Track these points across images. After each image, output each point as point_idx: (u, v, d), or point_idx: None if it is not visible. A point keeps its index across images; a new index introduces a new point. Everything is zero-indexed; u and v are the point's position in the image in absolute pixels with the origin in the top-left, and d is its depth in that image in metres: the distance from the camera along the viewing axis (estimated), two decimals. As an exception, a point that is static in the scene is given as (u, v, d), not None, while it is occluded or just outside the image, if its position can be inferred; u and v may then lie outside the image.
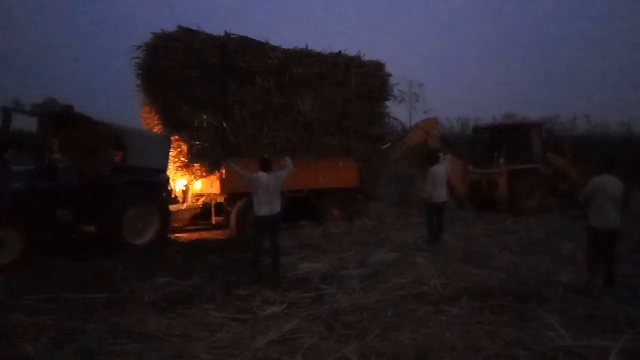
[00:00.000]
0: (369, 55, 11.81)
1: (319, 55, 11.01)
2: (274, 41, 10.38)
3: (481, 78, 68.21)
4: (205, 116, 9.31)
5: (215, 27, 9.82)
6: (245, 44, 9.93)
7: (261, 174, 6.85)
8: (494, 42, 78.87)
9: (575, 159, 14.64)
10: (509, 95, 59.06)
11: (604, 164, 5.93)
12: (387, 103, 12.41)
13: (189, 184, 10.26)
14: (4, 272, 6.54)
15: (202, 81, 9.32)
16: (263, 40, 10.21)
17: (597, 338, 4.05)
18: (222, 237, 10.08)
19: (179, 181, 10.20)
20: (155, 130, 9.75)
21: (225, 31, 9.76)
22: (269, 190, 6.80)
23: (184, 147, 9.38)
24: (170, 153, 9.40)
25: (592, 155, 13.64)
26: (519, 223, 11.08)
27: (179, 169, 9.72)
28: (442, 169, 8.81)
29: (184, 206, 10.43)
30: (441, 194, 8.58)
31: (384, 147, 12.48)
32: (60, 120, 8.13)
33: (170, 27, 9.32)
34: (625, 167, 14.30)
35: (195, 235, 10.30)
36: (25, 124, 8.62)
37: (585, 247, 6.02)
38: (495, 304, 4.94)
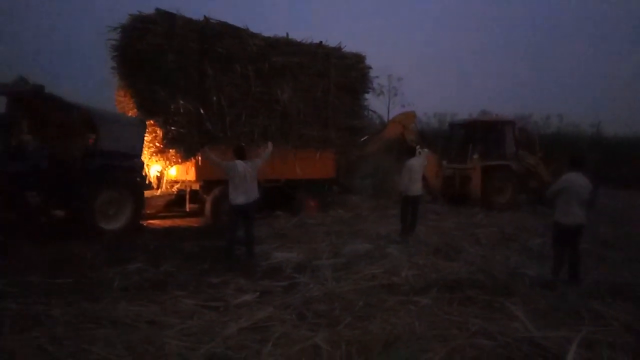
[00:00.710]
0: (349, 47, 11.83)
1: (299, 44, 10.94)
2: (255, 29, 10.29)
3: (459, 75, 68.98)
4: (182, 101, 9.15)
5: (195, 12, 9.62)
6: (225, 29, 9.78)
7: (238, 162, 6.81)
8: (473, 40, 79.89)
9: (546, 157, 15.02)
10: (487, 93, 59.83)
11: (573, 162, 6.12)
12: (366, 96, 12.48)
13: (163, 170, 10.09)
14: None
15: (179, 66, 9.14)
16: (243, 27, 10.09)
17: (560, 330, 4.19)
18: (196, 225, 9.99)
19: (153, 167, 10.02)
20: (130, 114, 9.54)
21: (205, 16, 9.59)
22: (245, 179, 6.77)
23: (160, 133, 9.22)
24: (145, 138, 9.22)
25: (562, 154, 14.02)
26: (490, 218, 11.33)
27: (154, 154, 9.55)
28: (418, 162, 8.91)
29: (158, 192, 10.28)
30: (416, 188, 8.69)
31: (362, 139, 12.54)
32: (31, 100, 7.88)
33: (149, 10, 9.10)
34: (593, 166, 14.79)
35: (168, 223, 10.18)
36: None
37: (551, 241, 6.23)
38: (464, 296, 5.04)
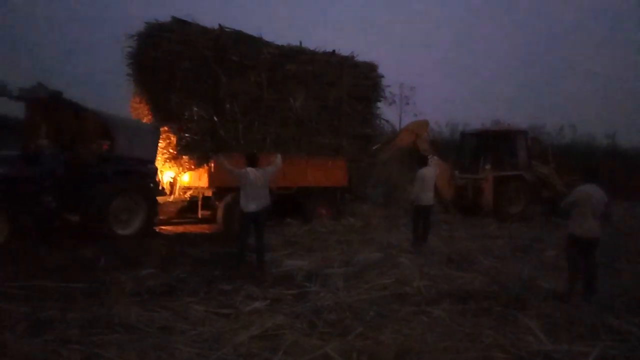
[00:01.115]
0: (362, 56, 11.86)
1: (312, 53, 11.00)
2: (268, 37, 10.37)
3: (472, 84, 68.74)
4: (195, 109, 9.23)
5: (210, 20, 9.75)
6: (239, 38, 9.88)
7: (249, 169, 6.84)
8: (486, 50, 79.69)
9: (559, 167, 14.86)
10: (499, 103, 59.54)
11: (588, 173, 6.04)
12: (378, 105, 12.47)
13: (176, 176, 10.17)
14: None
15: (194, 73, 9.24)
16: (257, 36, 10.18)
17: (575, 344, 4.12)
18: (207, 231, 10.04)
19: (166, 173, 10.10)
20: (145, 120, 9.65)
21: (220, 24, 9.70)
22: (257, 186, 6.79)
23: (173, 139, 9.29)
24: (159, 144, 9.31)
25: (576, 165, 13.86)
26: (503, 229, 11.21)
27: (168, 160, 9.62)
28: (431, 172, 8.86)
29: (171, 198, 10.34)
30: (428, 197, 8.65)
31: (374, 147, 12.52)
32: (49, 106, 8.01)
33: (165, 18, 9.24)
34: (609, 178, 14.59)
35: (180, 229, 10.23)
36: (10, 108, 8.44)
37: (566, 254, 6.13)
38: (477, 307, 4.99)
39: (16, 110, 8.51)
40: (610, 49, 72.91)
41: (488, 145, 14.20)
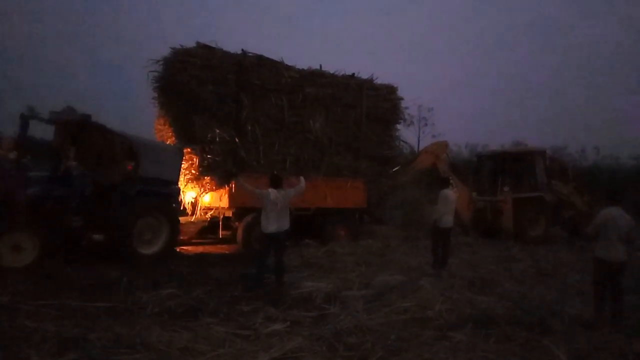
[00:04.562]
0: (380, 77, 11.99)
1: (332, 76, 11.18)
2: (289, 61, 10.60)
3: (492, 105, 68.44)
4: (218, 131, 9.44)
5: (233, 45, 10.03)
6: (261, 62, 10.14)
7: (271, 190, 6.91)
8: (506, 70, 79.50)
9: (580, 187, 14.59)
10: (520, 124, 59.07)
11: (611, 195, 5.94)
12: (397, 126, 12.52)
13: (198, 196, 10.33)
14: (13, 276, 6.61)
15: (216, 96, 9.49)
16: (278, 60, 10.42)
17: (602, 372, 4.00)
18: (227, 252, 10.10)
19: (188, 193, 10.28)
20: (168, 142, 9.88)
21: (242, 49, 9.98)
22: (277, 207, 6.84)
23: (196, 160, 9.49)
24: (182, 165, 9.50)
25: (598, 186, 13.61)
26: (525, 251, 11.01)
27: (190, 181, 9.81)
28: (453, 193, 8.82)
29: (193, 219, 10.48)
30: (448, 219, 8.58)
31: (394, 169, 12.52)
32: (78, 128, 8.28)
33: (189, 43, 9.55)
34: (634, 201, 14.25)
35: (200, 249, 10.33)
36: (42, 131, 8.74)
37: (592, 278, 5.98)
38: (500, 332, 4.89)
39: (45, 132, 8.79)
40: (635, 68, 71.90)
41: (506, 167, 14.07)
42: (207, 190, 9.93)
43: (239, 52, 9.93)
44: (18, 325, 4.76)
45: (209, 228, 10.76)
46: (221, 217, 10.47)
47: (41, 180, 7.69)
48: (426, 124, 34.44)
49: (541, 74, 74.70)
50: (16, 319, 4.95)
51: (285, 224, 6.95)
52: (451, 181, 9.24)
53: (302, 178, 7.51)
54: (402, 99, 12.26)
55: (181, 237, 9.81)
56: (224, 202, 10.01)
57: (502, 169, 14.15)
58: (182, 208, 10.02)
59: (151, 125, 10.64)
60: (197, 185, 9.88)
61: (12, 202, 7.07)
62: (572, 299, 6.67)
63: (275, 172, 7.92)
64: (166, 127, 9.90)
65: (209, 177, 9.58)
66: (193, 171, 9.64)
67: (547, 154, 15.19)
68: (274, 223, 6.83)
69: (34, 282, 6.48)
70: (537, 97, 68.48)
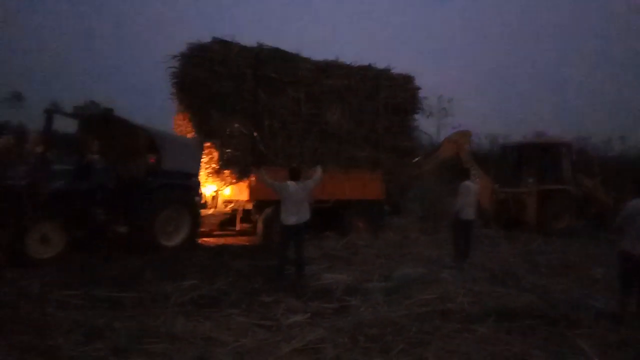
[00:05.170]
0: (399, 68, 11.85)
1: (348, 67, 11.09)
2: (305, 53, 10.56)
3: (513, 94, 67.13)
4: (236, 124, 9.50)
5: (250, 39, 10.04)
6: (277, 55, 10.13)
7: (289, 182, 6.93)
8: (528, 58, 77.91)
9: (606, 180, 14.25)
10: (542, 113, 57.87)
11: (637, 187, 5.77)
12: (416, 117, 12.38)
13: (218, 190, 10.43)
14: (42, 267, 6.81)
15: (234, 91, 9.52)
16: (294, 52, 10.39)
17: (630, 366, 3.92)
18: (247, 244, 10.20)
19: (209, 187, 10.38)
20: (188, 136, 9.97)
21: (258, 42, 9.98)
22: (296, 200, 6.86)
23: (216, 154, 9.57)
24: (202, 159, 9.59)
25: (625, 176, 13.26)
26: (548, 244, 10.83)
27: (210, 174, 9.90)
28: (474, 185, 8.70)
29: (213, 211, 10.59)
30: (470, 211, 8.47)
31: (414, 160, 12.41)
32: (100, 122, 8.42)
33: (206, 38, 9.58)
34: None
35: (221, 241, 10.44)
36: (65, 125, 8.90)
37: (617, 272, 5.85)
38: (524, 326, 4.83)
39: (69, 126, 8.96)
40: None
41: (530, 158, 13.80)
42: (227, 184, 10.02)
43: (255, 45, 9.93)
44: (48, 315, 4.92)
45: (230, 220, 10.86)
46: (241, 209, 10.55)
47: (66, 174, 7.85)
48: (446, 115, 33.98)
49: (564, 62, 72.95)
50: (46, 308, 5.11)
51: (304, 216, 6.97)
52: (473, 172, 9.09)
53: (318, 167, 7.51)
54: (419, 88, 12.12)
55: (202, 229, 9.93)
56: (244, 195, 10.08)
57: (526, 161, 13.88)
58: (202, 201, 10.13)
59: (171, 120, 10.74)
60: (217, 179, 9.97)
61: (38, 196, 7.25)
62: (597, 292, 6.55)
63: (294, 165, 7.93)
64: (185, 122, 9.99)
65: (228, 171, 9.65)
66: (213, 165, 9.72)
67: (573, 146, 14.84)
68: (293, 215, 6.86)
69: (62, 273, 6.66)
70: (560, 87, 66.96)
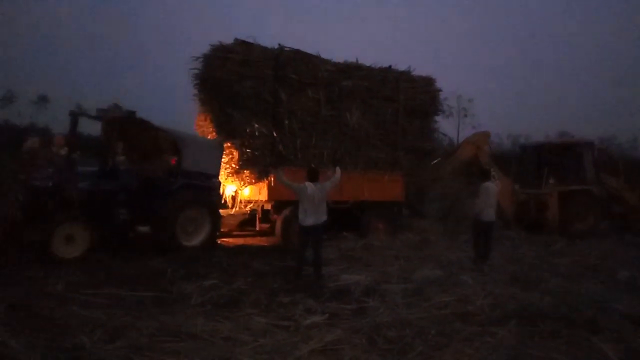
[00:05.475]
0: (419, 68, 11.78)
1: (368, 69, 11.08)
2: (325, 54, 10.58)
3: (536, 94, 65.95)
4: (256, 125, 9.57)
5: (271, 40, 10.11)
6: (298, 56, 10.17)
7: (307, 184, 6.95)
8: (552, 57, 76.41)
9: (631, 180, 13.91)
10: (565, 113, 56.74)
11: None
12: (436, 118, 12.30)
13: (238, 190, 10.53)
14: (67, 266, 6.97)
15: (255, 91, 9.60)
16: (315, 54, 10.43)
17: (656, 373, 3.83)
18: (266, 244, 10.27)
19: (228, 187, 10.49)
20: (209, 137, 10.10)
21: (279, 44, 10.05)
22: (314, 201, 6.88)
23: (236, 154, 9.65)
24: (223, 159, 9.69)
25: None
26: (571, 247, 10.61)
27: (230, 175, 10.00)
28: (494, 186, 8.60)
29: (233, 211, 10.69)
30: (490, 213, 8.37)
31: (434, 162, 12.32)
32: (124, 124, 8.59)
33: (228, 40, 9.69)
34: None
35: (240, 241, 10.53)
36: (89, 127, 9.15)
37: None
38: (546, 329, 4.74)
39: (92, 128, 9.18)
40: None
41: (551, 159, 13.56)
42: (246, 184, 10.10)
43: (276, 47, 10.00)
44: (72, 313, 5.04)
45: (249, 221, 10.94)
46: (260, 210, 10.63)
47: (90, 175, 8.04)
48: (466, 115, 33.65)
49: (588, 61, 71.36)
50: (70, 307, 5.23)
51: (322, 217, 6.98)
52: (493, 173, 8.98)
53: (338, 168, 7.52)
54: (440, 90, 12.04)
55: (222, 230, 10.04)
56: (263, 195, 10.15)
57: (548, 161, 13.64)
58: (222, 201, 10.23)
59: (192, 121, 10.87)
60: (237, 179, 10.06)
61: (64, 197, 7.44)
62: (621, 295, 6.38)
63: (313, 166, 7.96)
64: (207, 122, 10.10)
65: (248, 171, 9.73)
66: (233, 165, 9.80)
67: (596, 145, 14.51)
68: (311, 216, 6.88)
69: (85, 273, 6.81)
70: (583, 86, 65.51)
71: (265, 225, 10.66)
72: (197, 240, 8.74)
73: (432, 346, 4.36)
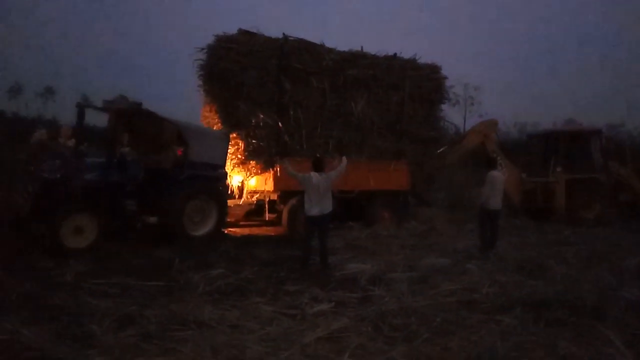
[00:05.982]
0: (425, 57, 11.69)
1: (373, 57, 11.01)
2: (330, 43, 10.52)
3: (543, 82, 65.28)
4: (262, 115, 9.57)
5: (275, 30, 10.08)
6: (302, 46, 10.14)
7: (313, 174, 6.98)
8: (559, 44, 75.42)
9: (639, 168, 13.80)
10: (573, 101, 56.15)
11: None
12: (442, 106, 12.23)
13: (244, 180, 10.57)
14: (75, 256, 7.06)
15: (259, 82, 9.60)
16: (319, 43, 10.37)
17: (662, 359, 3.83)
18: (273, 234, 10.32)
19: (235, 177, 10.54)
20: (215, 128, 10.13)
21: (283, 33, 10.01)
22: (319, 191, 6.91)
23: (241, 145, 9.68)
24: (229, 150, 9.72)
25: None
26: (578, 234, 10.57)
27: (236, 165, 10.03)
28: (501, 175, 8.58)
29: (239, 202, 10.75)
30: (497, 201, 8.37)
31: (440, 150, 12.28)
32: (130, 116, 8.63)
33: (232, 30, 9.66)
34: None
35: (247, 231, 10.61)
36: (95, 119, 9.20)
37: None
38: (551, 317, 4.75)
39: (99, 120, 9.23)
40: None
41: (558, 147, 13.48)
42: (252, 174, 10.14)
43: (280, 37, 9.95)
44: (82, 302, 5.12)
45: (255, 211, 10.99)
46: (266, 200, 10.68)
47: (98, 166, 8.10)
48: (472, 103, 33.39)
49: (595, 47, 70.41)
50: (80, 296, 5.32)
51: (327, 207, 7.01)
52: (500, 162, 8.95)
53: (344, 158, 7.54)
54: (446, 78, 11.95)
55: (228, 220, 10.10)
56: (269, 186, 10.19)
57: (555, 149, 13.56)
58: (229, 191, 10.28)
59: (198, 112, 10.90)
60: (243, 169, 10.10)
61: (72, 188, 7.51)
62: (628, 283, 6.35)
63: (318, 156, 7.97)
64: (212, 113, 10.12)
65: (254, 161, 9.76)
66: (239, 155, 9.84)
67: (604, 133, 14.39)
68: (317, 206, 6.91)
69: (94, 263, 6.91)
70: (591, 73, 64.70)
71: (272, 215, 10.72)
72: (204, 230, 8.82)
73: (438, 333, 4.38)
